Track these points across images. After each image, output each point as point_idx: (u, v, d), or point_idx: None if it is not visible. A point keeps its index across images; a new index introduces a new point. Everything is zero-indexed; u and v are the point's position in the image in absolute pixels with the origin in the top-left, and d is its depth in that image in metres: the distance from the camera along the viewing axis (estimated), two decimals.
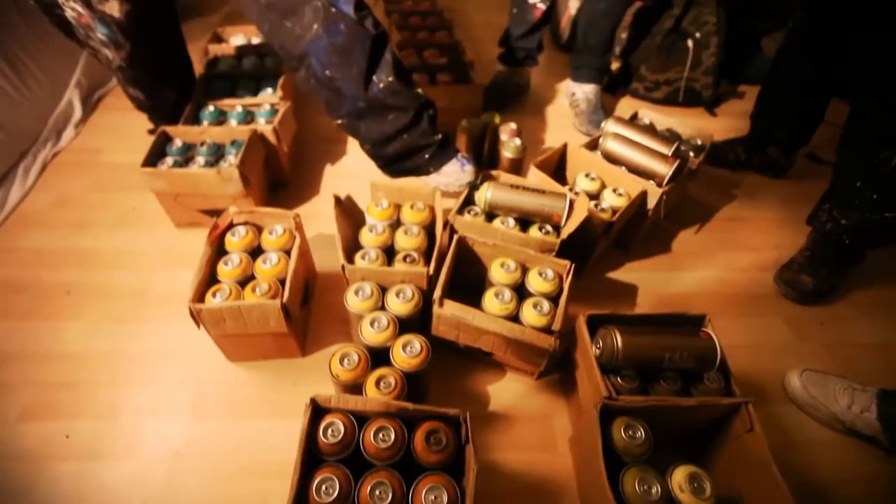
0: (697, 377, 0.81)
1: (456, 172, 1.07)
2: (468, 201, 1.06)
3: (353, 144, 1.50)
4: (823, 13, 1.22)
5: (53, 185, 1.34)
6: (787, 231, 1.33)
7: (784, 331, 1.11)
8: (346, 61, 0.93)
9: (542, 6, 1.46)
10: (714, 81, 1.77)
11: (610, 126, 1.21)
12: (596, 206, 1.07)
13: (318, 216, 1.24)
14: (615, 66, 1.89)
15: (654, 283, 1.17)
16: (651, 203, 1.10)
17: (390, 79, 0.96)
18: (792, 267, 1.19)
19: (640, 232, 1.18)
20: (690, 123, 1.40)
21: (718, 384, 0.80)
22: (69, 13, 0.95)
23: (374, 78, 0.96)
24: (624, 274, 1.19)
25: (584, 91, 1.63)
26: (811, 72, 1.29)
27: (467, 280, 0.96)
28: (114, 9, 0.96)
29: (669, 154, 1.14)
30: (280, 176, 1.31)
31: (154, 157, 1.11)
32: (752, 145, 1.50)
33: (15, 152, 1.36)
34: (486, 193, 0.99)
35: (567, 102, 1.72)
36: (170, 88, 1.24)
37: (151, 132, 1.48)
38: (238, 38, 1.60)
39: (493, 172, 1.09)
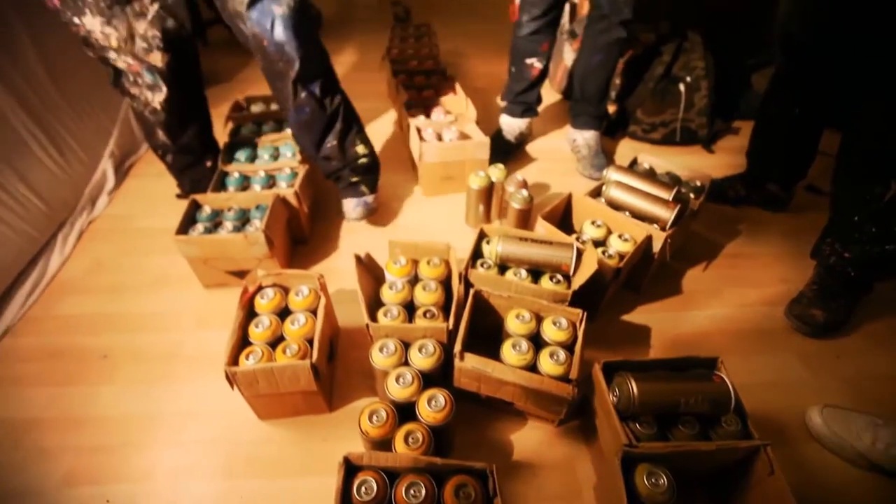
0: (715, 420, 0.83)
1: (348, 207, 1.42)
2: (478, 255, 1.11)
3: None
4: (803, 58, 1.29)
5: (89, 251, 1.42)
6: (792, 265, 1.36)
7: (799, 366, 1.12)
8: (307, 132, 1.28)
9: (538, 65, 1.57)
10: (708, 121, 1.85)
11: (611, 174, 1.27)
12: (603, 252, 1.11)
13: (338, 271, 1.30)
14: (612, 109, 1.99)
15: (666, 323, 1.20)
16: (656, 246, 1.15)
17: (334, 143, 1.29)
18: (801, 301, 1.21)
19: (648, 273, 1.22)
20: (689, 163, 1.47)
21: (736, 426, 0.82)
22: (121, 64, 1.13)
23: (325, 141, 1.29)
24: (636, 316, 1.22)
25: (585, 137, 1.71)
26: (799, 113, 1.35)
27: (484, 330, 1.00)
28: (157, 59, 1.13)
29: (670, 199, 1.19)
30: (300, 234, 1.38)
31: (186, 225, 1.19)
32: (750, 182, 1.55)
33: (55, 222, 1.46)
34: (496, 247, 1.05)
35: (569, 147, 1.80)
36: (192, 134, 1.36)
37: (179, 196, 1.58)
38: (258, 105, 1.72)
39: (496, 227, 1.15)
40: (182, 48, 1.17)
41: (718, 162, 1.82)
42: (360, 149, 1.33)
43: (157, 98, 1.20)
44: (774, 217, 1.54)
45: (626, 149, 1.89)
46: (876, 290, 1.18)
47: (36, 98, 1.44)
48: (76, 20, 1.04)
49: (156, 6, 1.07)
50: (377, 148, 1.80)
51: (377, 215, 1.50)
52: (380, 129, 1.97)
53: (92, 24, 1.04)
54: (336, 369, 1.08)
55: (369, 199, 1.41)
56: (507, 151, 1.72)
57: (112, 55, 1.10)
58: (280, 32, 1.08)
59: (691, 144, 1.89)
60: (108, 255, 1.41)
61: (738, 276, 1.34)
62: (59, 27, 1.51)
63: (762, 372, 1.10)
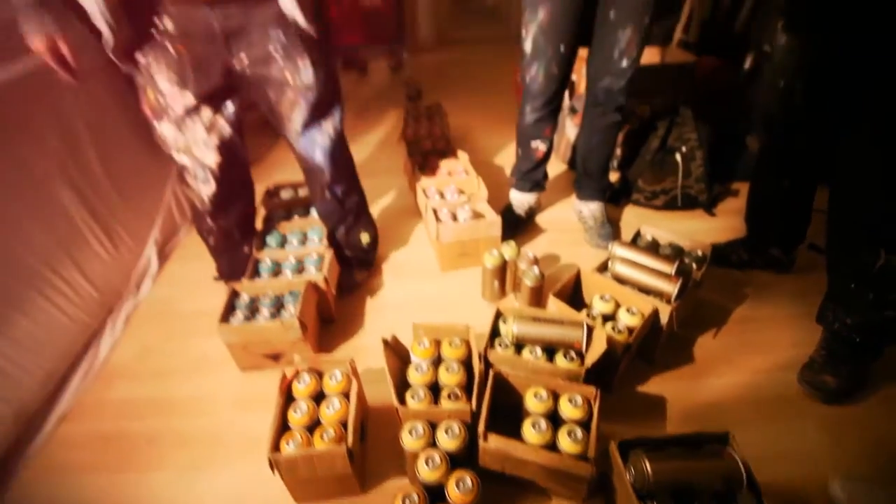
0: (731, 497, 0.86)
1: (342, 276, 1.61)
2: (496, 333, 1.20)
3: (389, 276, 1.70)
4: (785, 138, 1.40)
5: (136, 336, 1.54)
6: (802, 328, 1.39)
7: (817, 435, 1.14)
8: (326, 220, 1.55)
9: (542, 148, 1.71)
10: (707, 186, 1.95)
11: (616, 250, 1.37)
12: (613, 327, 1.19)
13: (365, 350, 1.39)
14: (615, 177, 2.11)
15: (680, 393, 1.24)
16: (664, 319, 1.22)
17: (343, 231, 1.56)
18: (812, 367, 1.24)
19: (659, 343, 1.28)
20: (692, 227, 1.55)
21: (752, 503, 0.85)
22: (181, 161, 1.31)
23: (338, 229, 1.55)
24: (651, 386, 1.27)
25: (590, 209, 1.83)
26: (788, 184, 1.44)
27: (505, 408, 1.06)
28: (210, 160, 1.30)
29: (673, 273, 1.27)
30: (328, 314, 1.49)
31: (227, 312, 1.31)
32: (751, 246, 1.62)
33: (106, 308, 1.59)
34: (512, 328, 1.13)
35: (576, 217, 1.92)
36: (234, 223, 1.51)
37: (216, 279, 1.71)
38: (287, 191, 1.89)
39: (512, 307, 1.24)
40: (233, 150, 1.35)
41: (720, 224, 1.91)
42: (364, 237, 1.61)
43: (207, 192, 1.36)
44: (780, 279, 1.60)
45: (631, 215, 1.99)
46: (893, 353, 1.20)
47: (93, 193, 1.61)
48: (156, 125, 1.23)
49: (219, 117, 1.25)
50: (395, 225, 1.95)
51: (401, 292, 1.62)
52: (397, 206, 2.12)
53: (167, 129, 1.23)
54: (367, 449, 1.14)
55: (357, 273, 1.66)
56: (517, 225, 1.83)
57: (175, 154, 1.29)
58: (319, 157, 1.34)
59: (693, 209, 1.99)
60: (153, 340, 1.52)
61: (749, 342, 1.39)
62: (114, 129, 1.74)
63: (780, 442, 1.12)
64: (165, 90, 1.15)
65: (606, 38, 1.46)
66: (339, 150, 1.39)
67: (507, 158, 2.03)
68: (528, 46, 1.50)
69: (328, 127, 1.31)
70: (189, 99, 1.17)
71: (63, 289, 1.45)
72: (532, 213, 1.91)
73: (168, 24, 1.09)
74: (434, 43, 4.71)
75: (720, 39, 2.63)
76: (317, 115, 1.28)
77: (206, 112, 1.22)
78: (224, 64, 1.16)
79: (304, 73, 1.19)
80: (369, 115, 3.11)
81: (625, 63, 1.48)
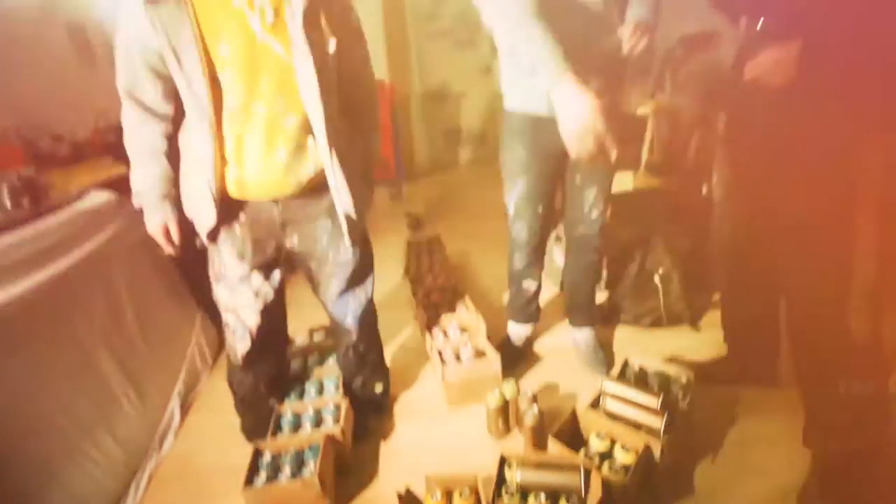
0: None
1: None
2: (502, 479, 1.28)
3: (400, 417, 1.80)
4: (740, 270, 1.59)
5: (156, 498, 1.57)
6: (794, 447, 1.41)
7: None
8: (346, 371, 1.68)
9: (532, 287, 1.91)
10: (688, 304, 2.12)
11: (606, 386, 1.49)
12: (610, 466, 1.27)
13: (381, 500, 1.44)
14: (603, 297, 2.28)
15: None
16: (657, 452, 1.30)
17: (359, 382, 1.67)
18: (808, 494, 1.28)
19: (658, 474, 1.34)
20: (679, 344, 1.68)
21: None
22: (227, 318, 1.47)
23: (355, 380, 1.67)
24: None
25: (583, 334, 1.97)
26: (753, 306, 1.60)
27: None
28: (251, 321, 1.45)
29: (658, 406, 1.38)
30: (344, 462, 1.56)
31: (251, 474, 1.40)
32: (733, 363, 1.73)
33: (131, 470, 1.63)
34: (515, 476, 1.22)
35: (571, 342, 2.06)
36: (264, 378, 1.62)
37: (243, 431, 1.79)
38: (300, 337, 2.06)
39: (515, 453, 1.33)
40: (273, 314, 1.52)
41: (706, 338, 2.03)
42: (378, 387, 1.72)
43: (242, 348, 1.51)
44: (767, 394, 1.66)
45: (622, 335, 2.13)
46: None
47: (129, 355, 1.74)
48: (215, 286, 1.44)
49: (266, 284, 1.45)
50: (404, 363, 2.07)
51: (412, 433, 1.72)
52: (405, 343, 2.24)
53: (222, 291, 1.44)
54: None
55: (371, 419, 1.75)
56: (516, 358, 1.97)
57: (223, 311, 1.48)
58: (350, 322, 1.53)
59: (679, 325, 2.13)
60: (172, 502, 1.57)
61: (746, 466, 1.43)
62: (150, 290, 1.94)
63: None
64: (227, 262, 1.38)
65: (576, 197, 1.74)
66: (368, 315, 1.58)
67: (502, 281, 2.18)
68: (510, 209, 1.77)
69: (361, 294, 1.52)
70: (244, 269, 1.39)
71: (95, 455, 1.52)
72: (529, 342, 2.06)
73: (241, 214, 1.35)
74: (429, 168, 5.23)
75: (682, 160, 2.98)
76: (351, 284, 1.49)
77: (256, 279, 1.43)
78: (277, 243, 1.40)
79: (343, 253, 1.42)
80: (374, 244, 3.38)
81: (594, 215, 1.74)
